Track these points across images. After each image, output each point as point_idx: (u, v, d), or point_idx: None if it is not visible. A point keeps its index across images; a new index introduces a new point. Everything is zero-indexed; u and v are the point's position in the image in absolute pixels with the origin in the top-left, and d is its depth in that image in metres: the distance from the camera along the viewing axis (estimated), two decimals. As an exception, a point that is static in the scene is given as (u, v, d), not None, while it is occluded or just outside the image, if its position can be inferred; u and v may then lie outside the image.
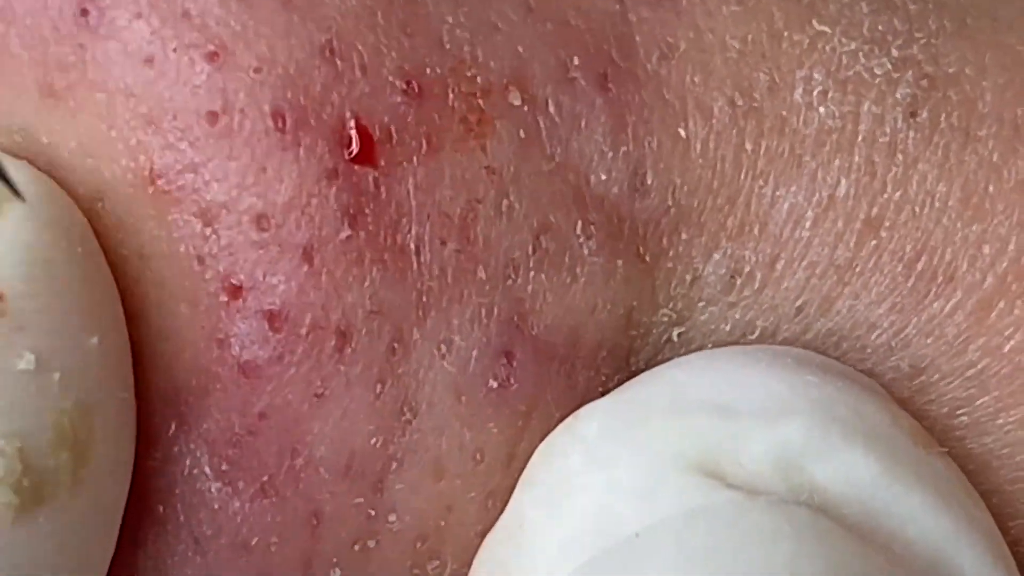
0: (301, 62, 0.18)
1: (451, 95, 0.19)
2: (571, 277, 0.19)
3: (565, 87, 0.19)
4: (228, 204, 0.18)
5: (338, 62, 0.18)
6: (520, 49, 0.19)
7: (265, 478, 0.18)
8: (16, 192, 0.17)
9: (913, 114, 0.20)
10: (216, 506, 0.18)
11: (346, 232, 0.18)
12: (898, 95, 0.20)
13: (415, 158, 0.19)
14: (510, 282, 0.19)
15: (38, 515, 0.17)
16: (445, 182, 0.19)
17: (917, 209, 0.20)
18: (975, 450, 0.20)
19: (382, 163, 0.19)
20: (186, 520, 0.19)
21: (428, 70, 0.19)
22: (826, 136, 0.20)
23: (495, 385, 0.19)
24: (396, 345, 0.19)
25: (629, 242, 0.20)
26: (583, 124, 0.19)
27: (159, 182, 0.18)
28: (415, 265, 0.19)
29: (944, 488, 0.19)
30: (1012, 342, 0.19)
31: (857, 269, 0.20)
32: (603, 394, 0.20)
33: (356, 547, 0.19)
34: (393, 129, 0.18)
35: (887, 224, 0.20)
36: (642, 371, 0.20)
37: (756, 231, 0.20)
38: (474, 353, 0.19)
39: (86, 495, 0.17)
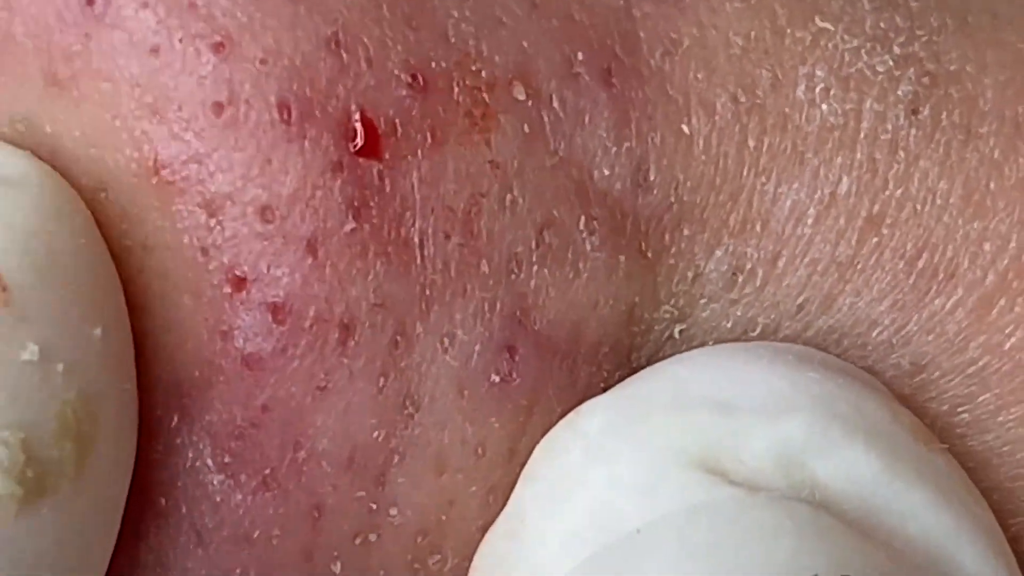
0: (307, 54, 0.18)
1: (456, 89, 0.19)
2: (574, 272, 0.19)
3: (569, 82, 0.19)
4: (233, 195, 0.18)
5: (344, 55, 0.18)
6: (525, 44, 0.19)
7: (267, 471, 0.18)
8: None
9: (915, 111, 0.20)
10: (218, 498, 0.18)
11: (350, 225, 0.18)
12: (900, 92, 0.20)
13: (419, 151, 0.19)
14: (513, 277, 0.19)
15: (41, 506, 0.17)
16: (449, 176, 0.19)
17: (918, 206, 0.20)
18: (976, 447, 0.20)
19: (387, 156, 0.19)
20: (188, 512, 0.18)
21: (433, 64, 0.19)
22: (828, 133, 0.20)
23: (497, 380, 0.19)
24: (399, 339, 0.19)
25: (632, 238, 0.20)
26: (587, 119, 0.19)
27: (163, 172, 0.18)
28: (419, 259, 0.19)
29: (945, 485, 0.19)
30: (1013, 339, 0.19)
31: (858, 266, 0.20)
32: (604, 390, 0.20)
33: (357, 540, 0.19)
34: (398, 122, 0.18)
35: (888, 221, 0.20)
36: (643, 368, 0.20)
37: (758, 228, 0.20)
38: (476, 347, 0.19)
39: (89, 486, 0.17)
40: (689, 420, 0.19)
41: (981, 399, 0.20)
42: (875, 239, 0.20)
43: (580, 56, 0.19)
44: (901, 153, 0.20)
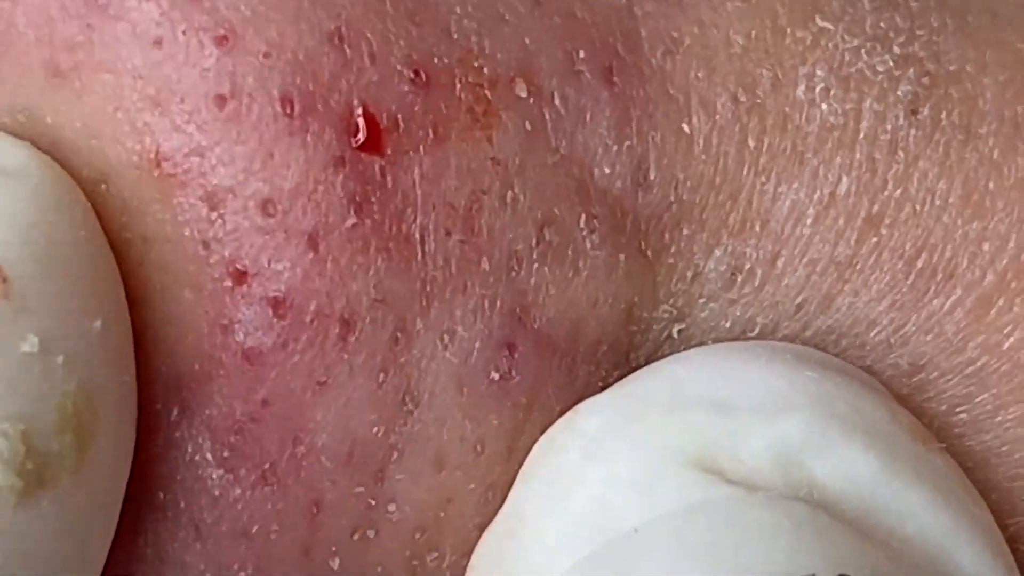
0: (310, 48, 0.18)
1: (458, 85, 0.19)
2: (574, 271, 0.19)
3: (571, 80, 0.19)
4: (234, 189, 0.18)
5: (347, 49, 0.18)
6: (527, 41, 0.19)
7: (266, 465, 0.18)
8: None
9: (914, 111, 0.20)
10: (217, 493, 0.18)
11: (352, 220, 0.18)
12: (900, 92, 0.20)
13: (421, 147, 0.19)
14: (513, 274, 0.19)
15: (41, 499, 0.17)
16: (451, 172, 0.19)
17: (918, 206, 0.20)
18: (974, 447, 0.20)
19: (389, 152, 0.18)
20: (187, 506, 0.18)
21: (436, 60, 0.19)
22: (828, 133, 0.20)
23: (497, 377, 0.19)
24: (399, 335, 0.19)
25: (631, 237, 0.20)
26: (588, 117, 0.19)
27: (165, 165, 0.18)
28: (420, 255, 0.19)
29: (943, 484, 0.19)
30: (1011, 339, 0.20)
31: (857, 266, 0.20)
32: (603, 389, 0.20)
33: (355, 536, 0.19)
34: (400, 118, 0.18)
35: (888, 221, 0.20)
36: (642, 367, 0.20)
37: (757, 228, 0.20)
38: (476, 344, 0.19)
39: (88, 479, 0.17)
40: (687, 419, 0.19)
41: (979, 399, 0.20)
42: (874, 239, 0.20)
43: (582, 54, 0.19)
44: (900, 153, 0.20)
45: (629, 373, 0.20)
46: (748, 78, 0.20)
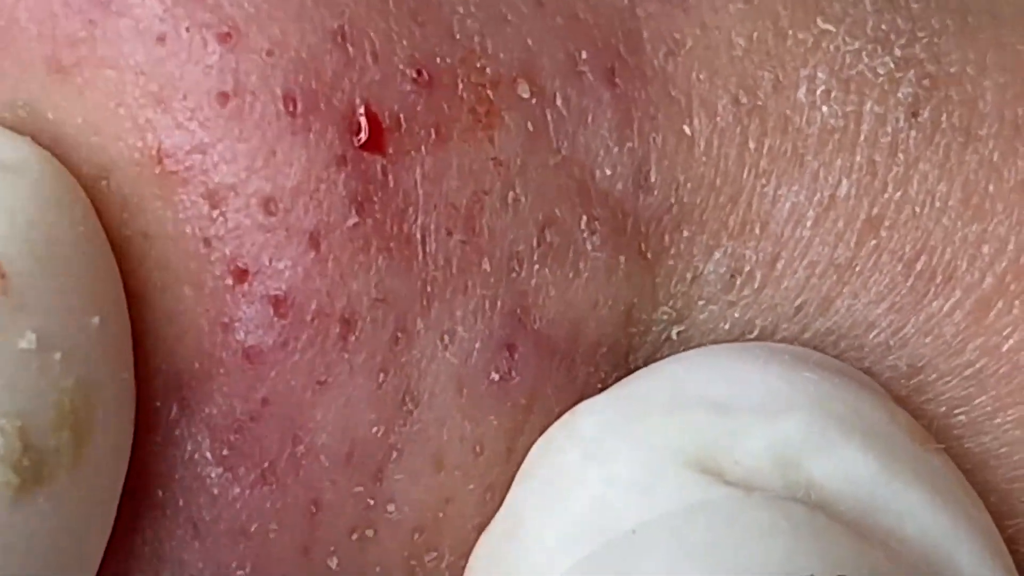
0: (313, 47, 0.18)
1: (460, 85, 0.19)
2: (574, 272, 0.19)
3: (573, 81, 0.19)
4: (236, 186, 0.18)
5: (350, 48, 0.18)
6: (530, 42, 0.19)
7: (266, 464, 0.18)
8: None
9: (915, 114, 0.20)
10: (216, 491, 0.18)
11: (353, 219, 0.18)
12: (900, 95, 0.20)
13: (423, 147, 0.19)
14: (514, 275, 0.19)
15: (37, 495, 0.16)
16: (452, 172, 0.19)
17: (917, 209, 0.20)
18: (973, 449, 0.20)
19: (390, 151, 0.18)
20: (185, 505, 0.18)
21: (438, 59, 0.19)
22: (828, 135, 0.20)
23: (496, 378, 0.19)
24: (400, 334, 0.19)
25: (632, 238, 0.20)
26: (590, 119, 0.19)
27: (166, 162, 0.18)
28: (421, 255, 0.19)
29: (942, 485, 0.19)
30: (1010, 341, 0.20)
31: (857, 268, 0.20)
32: (602, 390, 0.20)
33: (354, 536, 0.19)
34: (402, 117, 0.18)
35: (887, 224, 0.20)
36: (641, 369, 0.20)
37: (757, 230, 0.20)
38: (476, 345, 0.19)
39: (86, 476, 0.17)
40: (686, 420, 0.19)
41: (978, 401, 0.20)
42: (874, 241, 0.20)
43: (584, 55, 0.19)
44: (901, 155, 0.20)
45: (628, 375, 0.20)
46: (749, 80, 0.20)
